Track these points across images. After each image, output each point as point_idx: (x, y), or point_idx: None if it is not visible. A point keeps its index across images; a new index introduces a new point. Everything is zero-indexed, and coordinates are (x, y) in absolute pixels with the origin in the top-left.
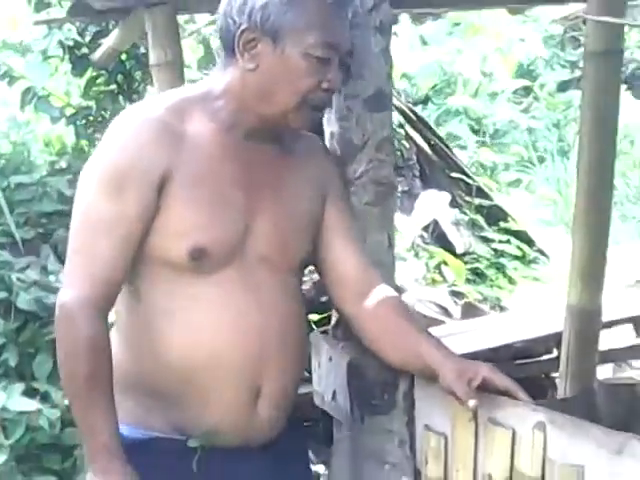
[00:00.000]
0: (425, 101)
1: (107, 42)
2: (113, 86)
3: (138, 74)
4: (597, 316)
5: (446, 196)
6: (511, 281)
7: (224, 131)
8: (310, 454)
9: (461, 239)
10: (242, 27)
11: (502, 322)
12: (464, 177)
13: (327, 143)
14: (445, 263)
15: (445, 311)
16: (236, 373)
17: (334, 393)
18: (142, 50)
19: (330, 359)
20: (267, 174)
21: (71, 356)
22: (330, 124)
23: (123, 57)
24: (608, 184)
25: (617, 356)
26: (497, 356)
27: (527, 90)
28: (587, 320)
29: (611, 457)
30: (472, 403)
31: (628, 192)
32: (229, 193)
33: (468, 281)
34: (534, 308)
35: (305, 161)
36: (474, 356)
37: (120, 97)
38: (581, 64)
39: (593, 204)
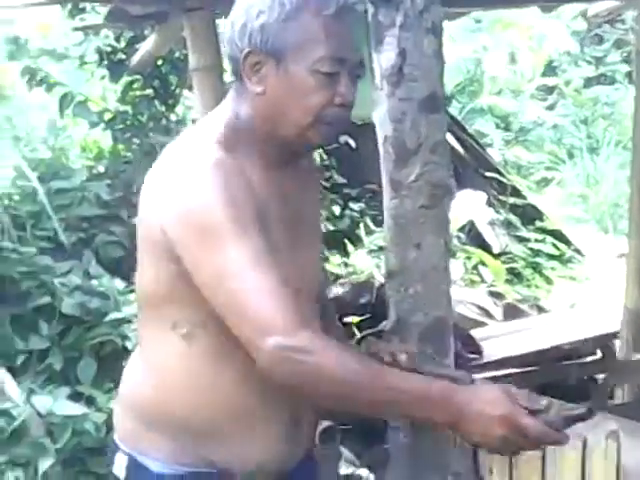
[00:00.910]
0: (449, 100)
1: (144, 47)
2: (149, 90)
3: (174, 79)
4: None
5: (482, 196)
6: (548, 281)
7: (260, 166)
8: (351, 456)
9: (497, 239)
10: (245, 51)
11: (544, 323)
12: (498, 176)
13: (380, 147)
14: (483, 263)
15: (486, 312)
16: (282, 407)
17: None
18: (178, 55)
19: None
20: (299, 205)
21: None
22: (383, 127)
23: (159, 62)
24: None
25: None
26: (544, 358)
27: (551, 87)
28: None
29: None
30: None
31: None
32: (282, 234)
33: (506, 281)
34: (574, 308)
35: (312, 176)
36: (520, 359)
37: (156, 101)
38: (607, 59)
39: None
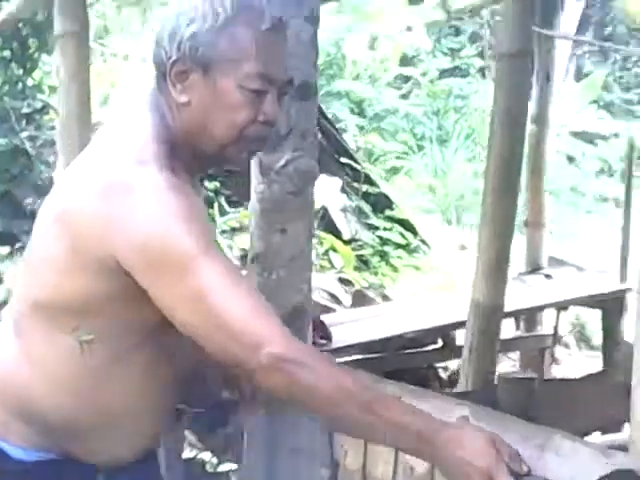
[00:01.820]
0: None
1: (7, 9)
2: (7, 52)
3: (34, 42)
4: (500, 311)
5: (337, 182)
6: (394, 269)
7: (185, 180)
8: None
9: (348, 226)
10: (173, 58)
11: (390, 311)
12: (352, 163)
13: None
14: (334, 249)
15: (335, 299)
16: (153, 407)
17: None
18: (40, 18)
19: None
20: None
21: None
22: None
23: (20, 25)
24: (514, 186)
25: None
26: (388, 346)
27: (408, 76)
28: (490, 315)
29: (534, 451)
30: None
31: None
32: None
33: (355, 268)
34: (418, 298)
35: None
36: (366, 346)
37: (13, 64)
38: (462, 52)
39: (500, 206)
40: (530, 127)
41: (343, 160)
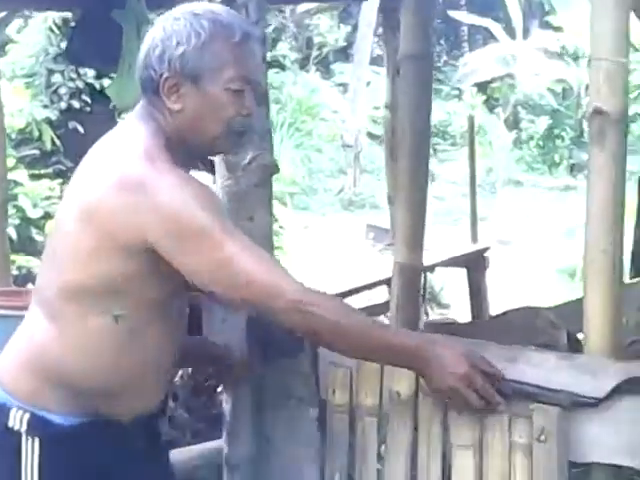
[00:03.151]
0: None
1: None
2: None
3: None
4: (419, 271)
5: (208, 177)
6: None
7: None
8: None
9: None
10: (164, 75)
11: None
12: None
13: None
14: None
15: None
16: (164, 368)
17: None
18: None
19: (223, 321)
20: None
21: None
22: None
23: None
24: (424, 165)
25: (374, 311)
26: None
27: None
28: (411, 274)
29: (507, 364)
30: None
31: None
32: None
33: None
34: None
35: None
36: None
37: None
38: (278, 46)
39: (413, 183)
40: (384, 113)
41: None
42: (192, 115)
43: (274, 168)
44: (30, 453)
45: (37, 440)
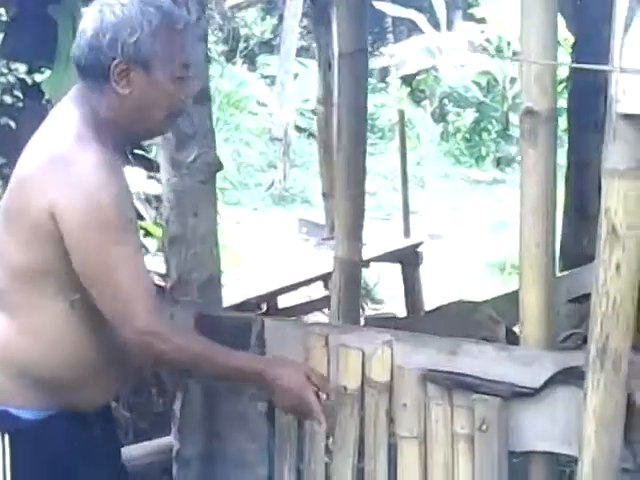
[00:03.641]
0: None
1: None
2: None
3: None
4: (359, 265)
5: (141, 172)
6: None
7: (115, 157)
8: None
9: (147, 212)
10: (116, 60)
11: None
12: (144, 153)
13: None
14: (148, 234)
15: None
16: (121, 359)
17: None
18: None
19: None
20: None
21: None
22: None
23: None
24: (362, 160)
25: (314, 307)
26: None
27: None
28: (352, 268)
29: (449, 357)
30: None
31: None
32: None
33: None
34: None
35: None
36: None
37: None
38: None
39: (352, 177)
40: (317, 107)
41: (136, 151)
42: (139, 100)
43: (218, 165)
44: (0, 449)
45: (7, 436)
